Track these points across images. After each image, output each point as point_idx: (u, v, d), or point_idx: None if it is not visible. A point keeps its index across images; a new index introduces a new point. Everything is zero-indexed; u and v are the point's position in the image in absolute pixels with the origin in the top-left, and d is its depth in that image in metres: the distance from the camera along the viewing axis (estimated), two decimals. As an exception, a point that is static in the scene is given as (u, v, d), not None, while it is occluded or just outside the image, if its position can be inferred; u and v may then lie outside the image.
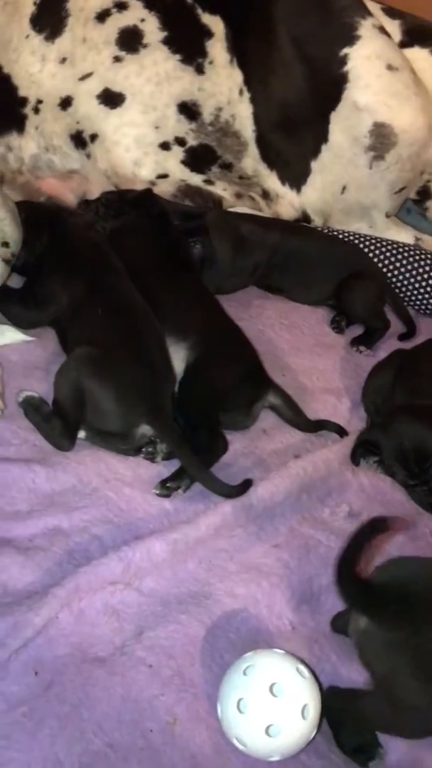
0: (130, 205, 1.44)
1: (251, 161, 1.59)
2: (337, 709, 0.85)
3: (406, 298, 1.60)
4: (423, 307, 1.60)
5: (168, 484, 1.08)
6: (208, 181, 1.58)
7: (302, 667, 0.83)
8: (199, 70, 1.52)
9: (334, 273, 1.53)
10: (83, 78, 1.49)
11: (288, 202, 1.64)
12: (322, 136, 1.57)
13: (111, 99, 1.51)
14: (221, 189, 1.59)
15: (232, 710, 0.80)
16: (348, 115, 1.52)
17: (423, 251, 1.63)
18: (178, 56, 1.52)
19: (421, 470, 1.18)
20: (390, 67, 1.51)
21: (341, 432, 1.26)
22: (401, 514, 1.16)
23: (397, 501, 1.19)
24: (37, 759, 0.78)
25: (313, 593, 1.01)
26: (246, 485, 1.08)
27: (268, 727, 0.78)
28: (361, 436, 1.23)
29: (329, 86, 1.53)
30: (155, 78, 1.51)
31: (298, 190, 1.63)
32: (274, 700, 0.79)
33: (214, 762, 0.82)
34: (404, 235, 1.70)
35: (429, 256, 1.61)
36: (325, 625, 0.98)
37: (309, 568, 1.03)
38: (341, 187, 1.60)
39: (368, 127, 1.52)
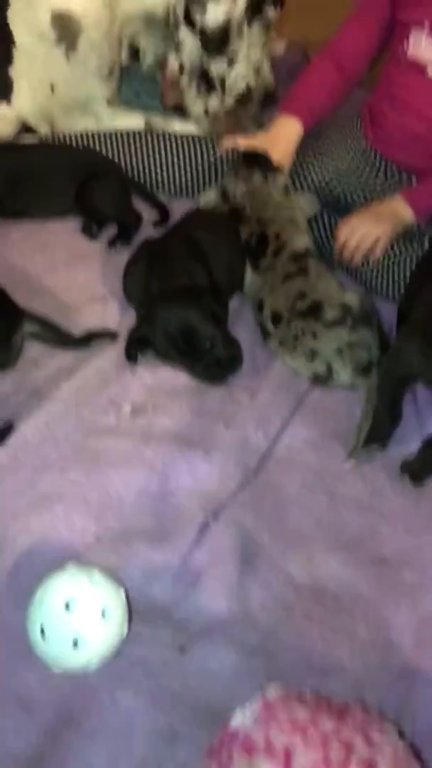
0: None
1: None
2: None
3: (152, 184, 1.58)
4: (169, 185, 1.58)
5: None
6: None
7: (96, 574, 0.84)
8: None
9: (69, 179, 1.47)
10: None
11: (2, 117, 1.55)
12: (9, 40, 1.48)
13: None
14: None
15: (38, 640, 0.81)
16: (24, 12, 1.44)
17: (153, 133, 1.60)
18: None
19: (193, 348, 1.20)
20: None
21: (112, 336, 1.26)
22: (187, 398, 1.18)
23: (180, 386, 1.21)
24: None
25: (112, 498, 1.02)
26: (6, 431, 1.07)
27: (74, 642, 0.80)
28: (131, 334, 1.23)
29: None
30: None
31: (8, 101, 1.54)
32: (69, 615, 0.80)
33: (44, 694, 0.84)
34: (133, 120, 1.66)
35: (159, 136, 1.58)
36: (131, 522, 1.00)
37: (103, 477, 1.03)
38: (49, 87, 1.53)
39: (47, 20, 1.44)
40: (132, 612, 0.87)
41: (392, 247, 1.39)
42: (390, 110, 1.49)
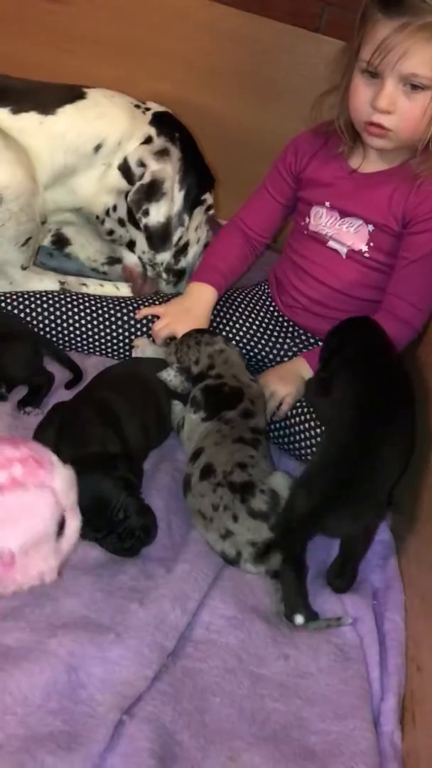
0: None
1: None
2: None
3: (66, 344, 1.58)
4: (81, 346, 1.58)
5: None
6: None
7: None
8: None
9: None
10: None
11: None
12: None
13: None
14: None
15: None
16: None
17: (69, 293, 1.62)
18: None
19: (106, 520, 1.15)
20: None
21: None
22: (96, 575, 1.11)
23: (90, 561, 1.14)
24: None
25: (15, 699, 0.92)
26: None
27: None
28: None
29: None
30: None
31: None
32: None
33: None
34: (48, 282, 1.68)
35: (73, 296, 1.60)
36: (37, 727, 0.90)
37: (3, 675, 0.94)
38: None
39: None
40: None
41: (309, 411, 1.40)
42: (295, 278, 1.56)
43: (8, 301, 1.56)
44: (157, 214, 1.63)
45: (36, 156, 1.57)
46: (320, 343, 1.52)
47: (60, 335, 1.57)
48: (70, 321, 1.57)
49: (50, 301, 1.57)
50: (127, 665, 0.98)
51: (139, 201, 1.62)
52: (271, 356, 1.59)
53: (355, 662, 1.07)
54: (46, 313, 1.56)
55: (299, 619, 1.09)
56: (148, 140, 1.65)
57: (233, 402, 1.32)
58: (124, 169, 1.64)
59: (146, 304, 1.61)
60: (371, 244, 1.45)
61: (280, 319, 1.61)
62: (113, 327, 1.58)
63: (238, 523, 1.16)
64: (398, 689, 1.05)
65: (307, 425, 1.41)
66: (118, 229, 1.68)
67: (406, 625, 1.13)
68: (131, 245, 1.70)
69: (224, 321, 1.58)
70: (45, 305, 1.57)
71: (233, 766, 0.90)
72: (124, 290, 1.73)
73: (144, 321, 1.58)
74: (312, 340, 1.58)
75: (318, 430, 1.39)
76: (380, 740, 0.99)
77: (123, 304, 1.59)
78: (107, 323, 1.58)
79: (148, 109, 1.70)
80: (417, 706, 1.02)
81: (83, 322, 1.57)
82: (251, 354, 1.59)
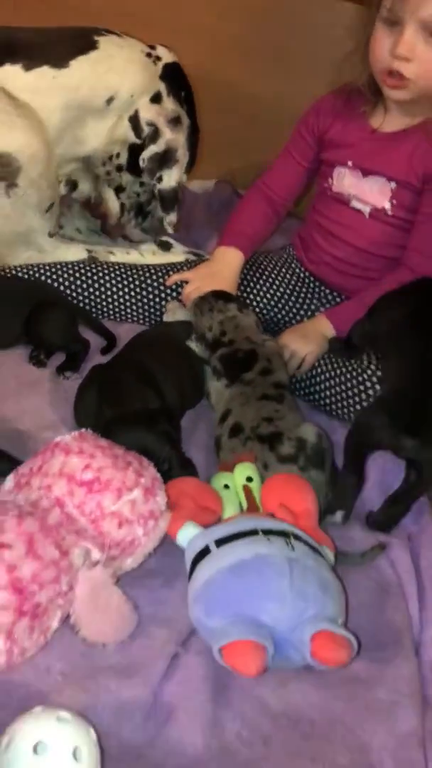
0: None
1: None
2: None
3: (98, 312, 1.62)
4: (114, 313, 1.63)
5: None
6: None
7: (64, 714, 0.80)
8: None
9: (16, 310, 1.50)
10: None
11: None
12: None
13: None
14: None
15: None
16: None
17: (97, 262, 1.66)
18: None
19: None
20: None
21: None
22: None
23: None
24: None
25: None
26: None
27: (46, 789, 0.75)
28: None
29: None
30: None
31: None
32: (39, 758, 0.76)
33: None
34: (75, 251, 1.72)
35: (103, 265, 1.64)
36: (97, 657, 0.96)
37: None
38: None
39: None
40: (104, 755, 0.83)
41: (335, 367, 1.44)
42: (320, 239, 1.60)
43: (42, 271, 1.61)
44: (169, 179, 1.71)
45: (49, 114, 1.59)
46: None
47: (93, 303, 1.61)
48: (102, 289, 1.61)
49: (82, 270, 1.62)
50: (176, 605, 1.04)
51: (153, 169, 1.69)
52: (299, 317, 1.63)
53: (394, 597, 1.11)
54: (78, 282, 1.61)
55: (339, 516, 1.15)
56: (157, 97, 1.69)
57: (250, 363, 1.36)
58: (134, 123, 1.68)
59: (175, 270, 1.65)
60: (394, 201, 1.48)
61: (306, 279, 1.64)
62: (144, 293, 1.62)
63: (269, 471, 1.20)
64: (437, 621, 1.09)
65: (332, 382, 1.44)
66: (114, 173, 1.73)
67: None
68: (119, 189, 1.75)
69: (251, 284, 1.62)
70: (77, 274, 1.62)
71: (283, 691, 0.96)
72: (149, 257, 1.77)
73: (173, 287, 1.62)
74: (339, 299, 1.61)
75: (345, 386, 1.42)
76: (421, 667, 1.03)
77: (152, 271, 1.64)
78: (138, 290, 1.62)
79: (159, 59, 1.72)
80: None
81: (114, 289, 1.62)
82: (279, 316, 1.63)
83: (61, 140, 1.64)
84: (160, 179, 1.71)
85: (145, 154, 1.70)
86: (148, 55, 1.71)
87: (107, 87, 1.63)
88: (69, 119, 1.62)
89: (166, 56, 1.73)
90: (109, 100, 1.64)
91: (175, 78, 1.72)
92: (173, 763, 0.86)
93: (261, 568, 0.96)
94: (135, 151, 1.70)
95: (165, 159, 1.71)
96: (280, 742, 0.91)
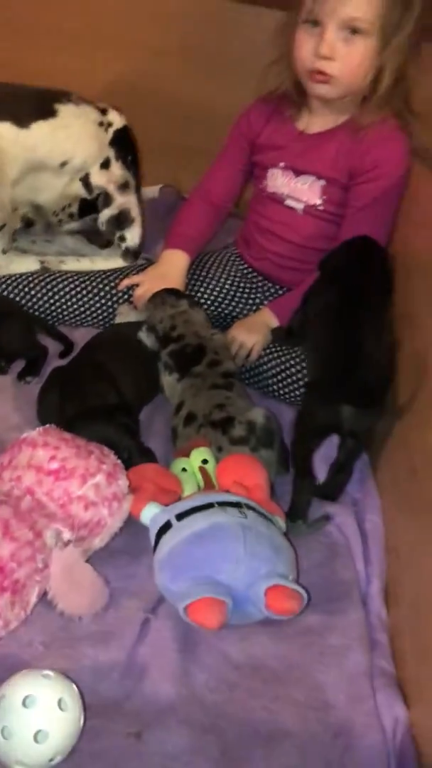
0: None
1: None
2: None
3: (54, 318, 1.71)
4: (69, 319, 1.72)
5: None
6: None
7: (47, 671, 0.90)
8: None
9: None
10: None
11: None
12: None
13: None
14: None
15: (2, 741, 0.85)
16: None
17: (49, 272, 1.75)
18: None
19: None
20: None
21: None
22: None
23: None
24: None
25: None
26: None
27: (35, 736, 0.85)
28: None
29: None
30: None
31: None
32: (28, 710, 0.85)
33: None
34: (28, 263, 1.81)
35: (55, 274, 1.73)
36: (75, 629, 1.06)
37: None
38: None
39: None
40: (86, 708, 0.92)
41: (279, 355, 1.55)
42: (259, 237, 1.71)
43: (-4, 284, 1.69)
44: (132, 237, 1.84)
45: (6, 158, 1.70)
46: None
47: (48, 311, 1.70)
48: (56, 297, 1.70)
49: (35, 281, 1.71)
50: (143, 578, 1.14)
51: (113, 230, 1.83)
52: (245, 311, 1.73)
53: (343, 557, 1.23)
54: (33, 292, 1.70)
55: (300, 524, 1.25)
56: (107, 163, 1.82)
57: (198, 357, 1.46)
58: (86, 183, 1.82)
59: (124, 275, 1.75)
60: (325, 197, 1.60)
61: (249, 275, 1.75)
62: (96, 299, 1.71)
63: (222, 453, 1.30)
64: (381, 575, 1.21)
65: (277, 369, 1.56)
66: (65, 220, 1.87)
67: (383, 522, 1.29)
68: (70, 232, 1.90)
69: (199, 282, 1.73)
70: (31, 284, 1.70)
71: (245, 644, 1.06)
72: (99, 263, 1.86)
73: (125, 290, 1.72)
74: (281, 292, 1.73)
75: (290, 371, 1.54)
76: (369, 616, 1.15)
77: (103, 277, 1.73)
78: (90, 296, 1.71)
79: (110, 125, 1.84)
80: (398, 587, 1.19)
81: (68, 297, 1.71)
82: (227, 311, 1.74)
83: (17, 184, 1.74)
84: (122, 239, 1.84)
85: (102, 218, 1.84)
86: (101, 123, 1.82)
87: (62, 153, 1.75)
88: (26, 170, 1.72)
89: (117, 121, 1.85)
90: (63, 164, 1.75)
91: (122, 143, 1.85)
92: (149, 710, 0.96)
93: (217, 534, 1.07)
94: (86, 203, 1.84)
95: (120, 221, 1.84)
96: (243, 688, 1.01)
